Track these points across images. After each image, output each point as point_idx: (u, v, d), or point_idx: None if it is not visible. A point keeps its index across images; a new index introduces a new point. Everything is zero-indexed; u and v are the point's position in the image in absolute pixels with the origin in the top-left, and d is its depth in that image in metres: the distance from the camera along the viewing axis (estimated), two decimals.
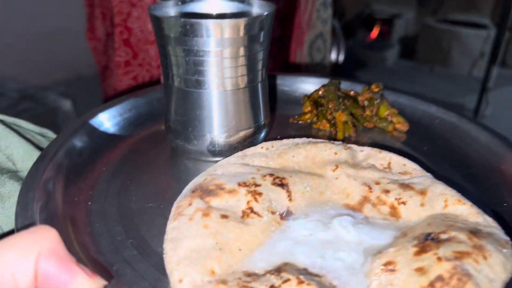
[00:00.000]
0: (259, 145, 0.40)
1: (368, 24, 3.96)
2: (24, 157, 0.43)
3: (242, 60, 0.39)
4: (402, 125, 0.49)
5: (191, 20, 0.35)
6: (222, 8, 0.44)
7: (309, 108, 0.51)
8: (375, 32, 3.98)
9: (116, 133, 0.45)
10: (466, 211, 0.33)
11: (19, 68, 2.64)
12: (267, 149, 0.40)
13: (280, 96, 0.56)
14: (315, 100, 0.51)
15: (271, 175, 0.36)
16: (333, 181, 0.37)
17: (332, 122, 0.48)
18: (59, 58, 2.91)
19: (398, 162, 0.39)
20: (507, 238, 0.30)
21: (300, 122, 0.50)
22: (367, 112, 0.50)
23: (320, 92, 0.51)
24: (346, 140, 0.47)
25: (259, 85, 0.42)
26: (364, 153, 0.40)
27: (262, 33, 0.39)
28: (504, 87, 3.22)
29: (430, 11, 3.96)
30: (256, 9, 0.43)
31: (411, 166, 0.38)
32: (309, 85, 0.56)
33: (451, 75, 3.74)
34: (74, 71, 3.05)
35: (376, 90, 0.51)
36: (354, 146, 0.41)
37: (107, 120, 0.45)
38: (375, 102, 0.50)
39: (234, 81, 0.39)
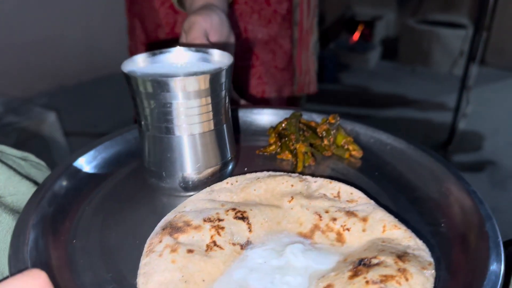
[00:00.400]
0: (225, 180, 0.46)
1: (350, 27, 4.06)
2: (6, 183, 0.47)
3: (207, 108, 0.44)
4: (357, 152, 0.55)
5: (158, 79, 0.41)
6: (188, 57, 0.49)
7: (274, 140, 0.57)
8: (357, 35, 4.08)
9: (97, 172, 0.50)
10: (401, 235, 0.38)
11: (1, 80, 2.66)
12: (232, 184, 0.45)
13: (248, 127, 0.62)
14: (279, 132, 0.56)
15: (233, 209, 0.41)
16: (289, 211, 0.42)
17: (294, 152, 0.54)
18: (42, 69, 2.93)
19: (346, 191, 0.44)
20: (431, 260, 0.35)
21: (266, 153, 0.56)
22: (325, 142, 0.55)
23: (283, 125, 0.57)
24: (306, 169, 0.53)
25: (224, 126, 0.47)
26: (317, 183, 0.45)
27: (224, 84, 0.45)
28: (484, 85, 3.32)
29: (410, 12, 4.07)
30: (217, 59, 0.48)
31: (357, 194, 0.44)
32: (273, 116, 0.61)
33: (432, 75, 3.85)
34: (58, 81, 3.07)
35: (333, 121, 0.56)
36: (309, 178, 0.46)
37: (88, 161, 0.50)
38: (332, 132, 0.55)
39: (200, 126, 0.44)
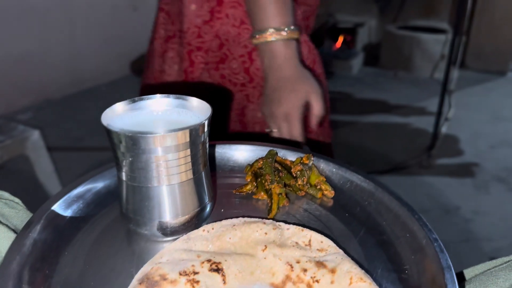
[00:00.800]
0: (202, 228, 0.47)
1: (332, 34, 4.12)
2: None
3: (185, 159, 0.46)
4: (328, 192, 0.57)
5: (138, 135, 0.42)
6: (167, 105, 0.51)
7: (250, 178, 0.59)
8: (339, 42, 4.14)
9: (77, 216, 0.51)
10: None
11: None
12: (208, 231, 0.47)
13: (226, 163, 0.63)
14: (255, 171, 0.59)
15: (208, 261, 0.43)
16: (262, 261, 0.44)
17: (269, 193, 0.56)
18: (25, 83, 2.89)
19: (317, 239, 0.47)
20: None
21: (242, 193, 0.58)
22: (299, 182, 0.57)
23: (260, 163, 0.59)
24: (280, 209, 0.55)
25: (203, 173, 0.49)
26: (290, 231, 0.48)
27: (203, 135, 0.46)
28: (465, 88, 3.44)
29: (391, 18, 4.15)
30: (196, 106, 0.50)
31: (326, 243, 0.46)
32: (251, 152, 0.63)
33: (414, 79, 3.95)
34: (42, 95, 3.04)
35: (307, 161, 0.58)
36: (282, 225, 0.48)
37: (68, 205, 0.51)
38: (306, 173, 0.57)
39: (178, 176, 0.46)
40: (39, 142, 1.44)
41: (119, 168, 0.47)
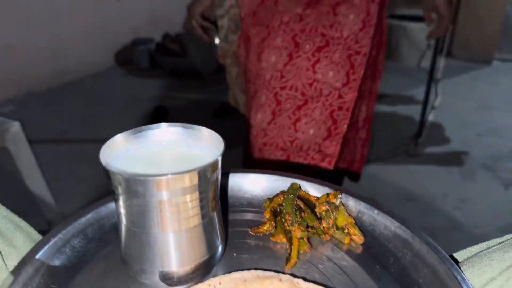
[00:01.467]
0: (207, 282, 0.42)
1: None
2: None
3: (193, 203, 0.40)
4: (357, 238, 0.50)
5: (137, 178, 0.36)
6: (175, 134, 0.45)
7: (268, 215, 0.52)
8: None
9: (75, 255, 0.46)
10: None
11: None
12: (215, 287, 0.41)
13: (243, 195, 0.57)
14: (274, 208, 0.52)
15: None
16: None
17: (289, 236, 0.49)
18: (6, 76, 2.90)
19: None
20: None
21: (259, 234, 0.51)
22: (324, 224, 0.51)
23: (280, 199, 0.52)
24: (301, 256, 0.48)
25: (214, 213, 0.43)
26: None
27: (215, 173, 0.40)
28: (451, 77, 3.42)
29: None
30: (207, 137, 0.44)
31: None
32: (270, 183, 0.57)
33: (401, 69, 3.87)
34: (25, 88, 3.05)
35: (334, 200, 0.52)
36: (301, 282, 0.42)
37: (66, 241, 0.46)
38: (332, 214, 0.51)
39: (186, 221, 0.40)
40: (19, 134, 1.39)
41: (118, 208, 0.41)
